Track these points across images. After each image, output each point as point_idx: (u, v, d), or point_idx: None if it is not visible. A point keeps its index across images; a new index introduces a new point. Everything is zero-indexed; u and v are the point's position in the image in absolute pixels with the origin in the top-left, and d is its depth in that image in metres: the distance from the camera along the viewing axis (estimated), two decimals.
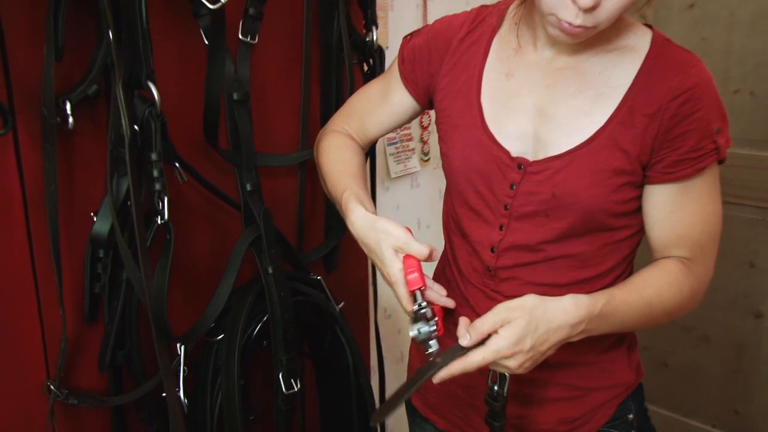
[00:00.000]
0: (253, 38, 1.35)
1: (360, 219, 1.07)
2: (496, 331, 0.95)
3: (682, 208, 1.04)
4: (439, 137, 1.19)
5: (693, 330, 2.58)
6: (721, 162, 1.04)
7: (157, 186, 1.16)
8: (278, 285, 1.36)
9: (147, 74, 1.15)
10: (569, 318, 0.95)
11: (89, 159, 1.20)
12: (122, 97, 1.09)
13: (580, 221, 1.05)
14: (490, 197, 1.10)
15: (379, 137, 1.33)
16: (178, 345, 1.30)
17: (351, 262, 1.71)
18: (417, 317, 1.01)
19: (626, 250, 1.09)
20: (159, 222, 1.18)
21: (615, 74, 1.04)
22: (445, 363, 0.96)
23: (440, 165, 2.19)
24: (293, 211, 1.55)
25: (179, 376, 1.28)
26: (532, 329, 0.93)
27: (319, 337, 1.54)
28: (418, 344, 1.01)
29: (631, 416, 1.17)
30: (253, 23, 1.35)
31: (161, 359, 1.18)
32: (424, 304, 1.01)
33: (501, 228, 1.10)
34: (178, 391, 1.26)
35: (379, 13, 1.73)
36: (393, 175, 1.98)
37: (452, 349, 0.98)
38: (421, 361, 1.17)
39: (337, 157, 1.23)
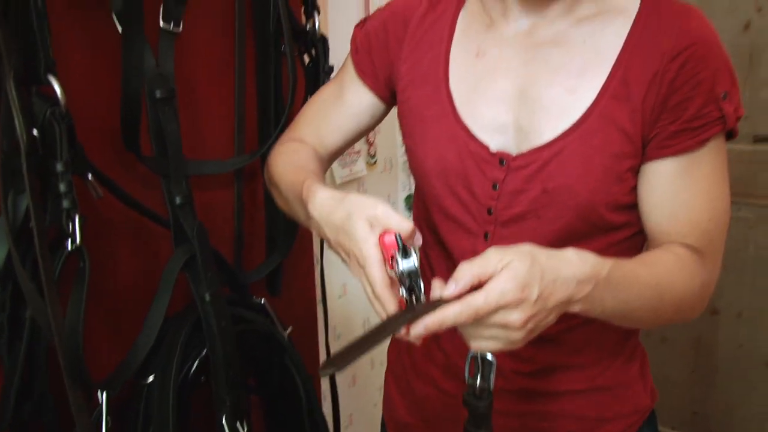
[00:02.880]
0: (176, 26, 1.15)
1: (326, 198, 0.85)
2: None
3: (686, 189, 0.89)
4: (403, 133, 1.02)
5: (651, 333, 2.50)
6: (730, 136, 0.90)
7: (65, 203, 0.95)
8: (217, 314, 1.16)
9: (46, 66, 0.93)
10: (576, 271, 0.75)
11: None
12: (14, 94, 0.88)
13: (578, 220, 0.89)
14: (470, 201, 0.94)
15: (341, 147, 1.13)
16: (99, 392, 1.08)
17: (297, 282, 1.52)
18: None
19: (633, 252, 0.94)
20: (69, 248, 0.97)
21: (602, 41, 0.89)
22: (426, 311, 0.72)
23: (388, 167, 2.04)
24: (230, 225, 1.35)
25: (101, 429, 1.07)
26: (538, 274, 0.72)
27: (267, 369, 1.36)
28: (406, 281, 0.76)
29: None
30: (176, 7, 1.14)
31: (76, 412, 0.97)
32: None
33: (486, 236, 0.93)
34: None
35: None
36: (338, 180, 1.80)
37: (436, 302, 0.73)
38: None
39: (291, 159, 1.04)
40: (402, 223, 0.78)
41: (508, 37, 0.94)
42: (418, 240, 0.80)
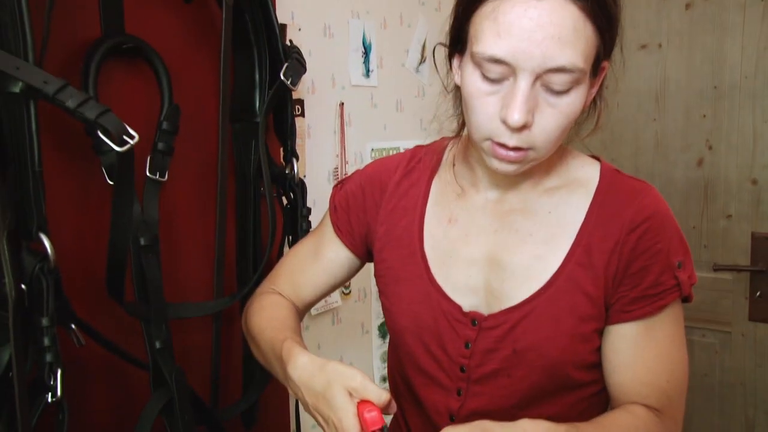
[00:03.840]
0: (162, 175, 1.21)
1: (306, 363, 0.88)
2: None
3: (645, 352, 0.94)
4: (380, 291, 1.07)
5: None
6: (685, 300, 0.96)
7: (49, 357, 0.97)
8: None
9: (38, 224, 0.98)
10: None
11: None
12: (6, 250, 0.91)
13: (546, 378, 0.93)
14: (444, 358, 0.98)
15: (317, 299, 1.18)
16: None
17: (271, 417, 1.52)
18: None
19: (601, 408, 0.98)
20: (50, 400, 0.98)
21: (567, 211, 0.96)
22: None
23: (362, 297, 2.08)
24: (208, 364, 1.36)
25: None
26: None
27: None
28: None
29: None
30: (162, 159, 1.21)
31: None
32: None
33: (459, 392, 0.97)
34: None
35: (297, 141, 1.62)
36: (313, 312, 1.82)
37: None
38: None
39: (270, 314, 1.08)
40: (380, 394, 0.81)
41: (479, 206, 1.00)
42: (393, 408, 0.84)
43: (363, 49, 1.94)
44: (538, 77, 0.81)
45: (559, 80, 0.81)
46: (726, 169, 2.24)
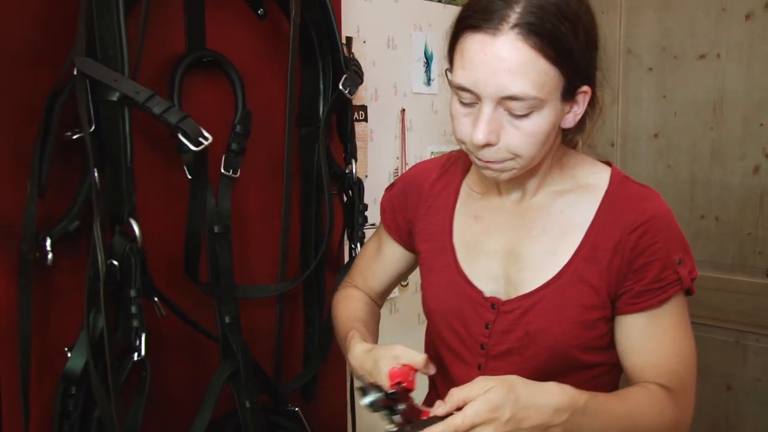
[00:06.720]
0: (235, 172, 1.38)
1: (359, 348, 1.07)
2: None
3: (653, 339, 1.04)
4: (421, 277, 1.21)
5: None
6: (688, 293, 1.06)
7: (135, 323, 1.15)
8: (255, 420, 1.33)
9: (129, 211, 1.16)
10: (553, 400, 0.90)
11: (66, 293, 1.20)
12: (100, 235, 1.10)
13: (553, 359, 1.05)
14: (467, 336, 1.11)
15: (388, 289, 1.36)
16: None
17: (329, 391, 1.68)
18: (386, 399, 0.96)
19: (608, 388, 1.09)
20: (135, 358, 1.16)
21: (576, 213, 1.07)
22: (418, 429, 0.90)
23: (418, 290, 2.22)
24: (272, 340, 1.53)
25: None
26: (512, 399, 0.87)
27: None
28: (375, 410, 0.96)
29: None
30: (235, 158, 1.38)
31: None
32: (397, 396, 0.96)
33: (479, 367, 1.10)
34: None
35: (359, 143, 1.78)
36: None
37: (428, 419, 0.92)
38: None
39: (345, 305, 1.27)
40: (417, 357, 0.98)
41: (500, 205, 1.13)
42: (431, 369, 1.00)
43: (425, 60, 2.09)
44: (498, 103, 0.94)
45: (516, 106, 0.94)
46: None
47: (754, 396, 2.38)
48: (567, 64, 0.95)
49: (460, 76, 0.96)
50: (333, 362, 1.63)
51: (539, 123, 0.96)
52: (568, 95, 0.98)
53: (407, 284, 2.11)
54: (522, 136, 0.96)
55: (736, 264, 2.36)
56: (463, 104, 0.98)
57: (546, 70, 0.93)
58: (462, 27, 0.96)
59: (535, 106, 0.94)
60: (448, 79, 1.00)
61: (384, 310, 2.07)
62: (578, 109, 1.02)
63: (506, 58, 0.91)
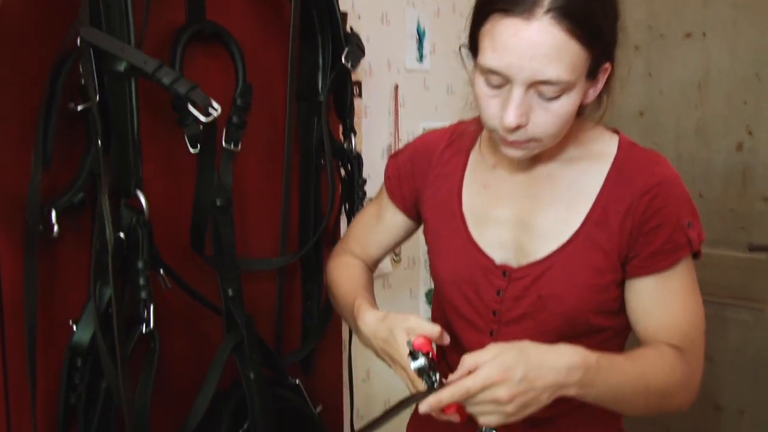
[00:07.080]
0: (236, 146, 1.38)
1: (372, 316, 1.08)
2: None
3: (665, 301, 1.07)
4: (427, 247, 1.23)
5: (656, 422, 2.58)
6: (695, 256, 1.09)
7: (143, 294, 1.16)
8: (260, 391, 1.34)
9: (136, 183, 1.16)
10: (565, 360, 0.92)
11: (71, 266, 1.19)
12: (107, 206, 1.09)
13: (565, 324, 1.07)
14: (479, 303, 1.13)
15: (383, 256, 1.38)
16: None
17: (326, 364, 1.70)
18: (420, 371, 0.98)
19: (616, 351, 1.11)
20: (144, 330, 1.16)
21: (587, 180, 1.09)
22: (433, 390, 0.93)
23: (411, 265, 2.24)
24: (272, 314, 1.54)
25: None
26: (523, 359, 0.90)
27: None
28: (421, 375, 0.98)
29: None
30: (236, 131, 1.38)
31: None
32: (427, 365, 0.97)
33: (492, 333, 1.12)
34: None
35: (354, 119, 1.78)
36: None
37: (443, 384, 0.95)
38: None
39: (346, 274, 1.29)
40: (432, 328, 1.00)
41: (509, 174, 1.15)
42: (446, 339, 1.03)
43: (417, 36, 2.09)
44: (529, 86, 0.96)
45: (548, 89, 0.95)
46: (765, 154, 2.31)
47: (733, 366, 2.44)
48: (597, 45, 0.97)
49: (491, 59, 0.96)
50: (331, 336, 1.64)
51: (568, 104, 0.98)
52: (593, 74, 1.00)
53: (399, 260, 2.13)
54: (551, 117, 0.98)
55: (719, 239, 2.40)
56: (491, 86, 0.99)
57: (578, 52, 0.94)
58: (491, 9, 0.96)
59: (566, 88, 0.96)
60: (462, 57, 1.01)
61: (377, 285, 2.08)
62: (599, 86, 1.04)
63: (541, 44, 0.92)
